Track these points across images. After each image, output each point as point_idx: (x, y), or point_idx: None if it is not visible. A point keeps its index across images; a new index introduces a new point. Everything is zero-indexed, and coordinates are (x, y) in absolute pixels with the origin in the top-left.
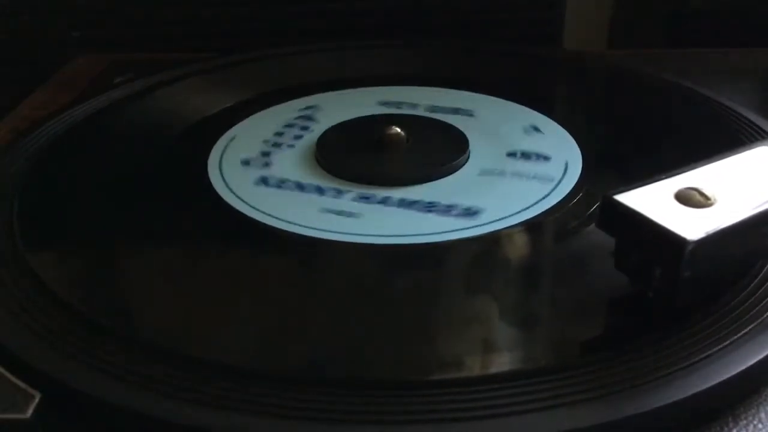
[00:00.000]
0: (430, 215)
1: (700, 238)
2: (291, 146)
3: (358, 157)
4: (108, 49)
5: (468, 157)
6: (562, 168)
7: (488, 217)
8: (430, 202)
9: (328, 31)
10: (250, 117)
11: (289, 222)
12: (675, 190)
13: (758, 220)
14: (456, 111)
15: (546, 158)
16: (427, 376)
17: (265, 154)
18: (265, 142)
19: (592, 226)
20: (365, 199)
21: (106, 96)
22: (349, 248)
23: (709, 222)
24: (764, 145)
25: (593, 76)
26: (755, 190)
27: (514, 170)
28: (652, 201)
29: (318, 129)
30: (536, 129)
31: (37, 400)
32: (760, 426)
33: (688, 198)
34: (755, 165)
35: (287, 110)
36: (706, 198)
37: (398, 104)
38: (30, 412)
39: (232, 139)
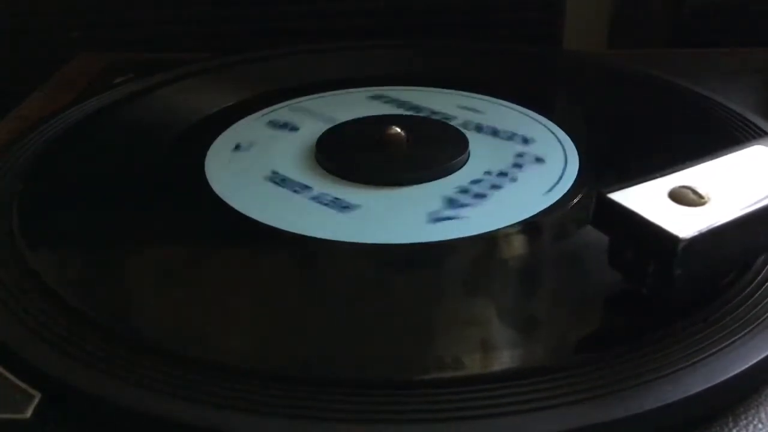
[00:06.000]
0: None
1: (691, 236)
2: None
3: (354, 155)
4: (108, 49)
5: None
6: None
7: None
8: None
9: (328, 31)
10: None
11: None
12: (669, 188)
13: (752, 219)
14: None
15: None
16: (426, 376)
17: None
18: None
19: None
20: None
21: (106, 96)
22: (345, 248)
23: (702, 220)
24: (760, 144)
25: (592, 76)
26: (749, 189)
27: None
28: (646, 199)
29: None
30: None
31: (37, 400)
32: (760, 426)
33: (682, 196)
34: (751, 164)
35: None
36: (700, 197)
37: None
38: (30, 412)
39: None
